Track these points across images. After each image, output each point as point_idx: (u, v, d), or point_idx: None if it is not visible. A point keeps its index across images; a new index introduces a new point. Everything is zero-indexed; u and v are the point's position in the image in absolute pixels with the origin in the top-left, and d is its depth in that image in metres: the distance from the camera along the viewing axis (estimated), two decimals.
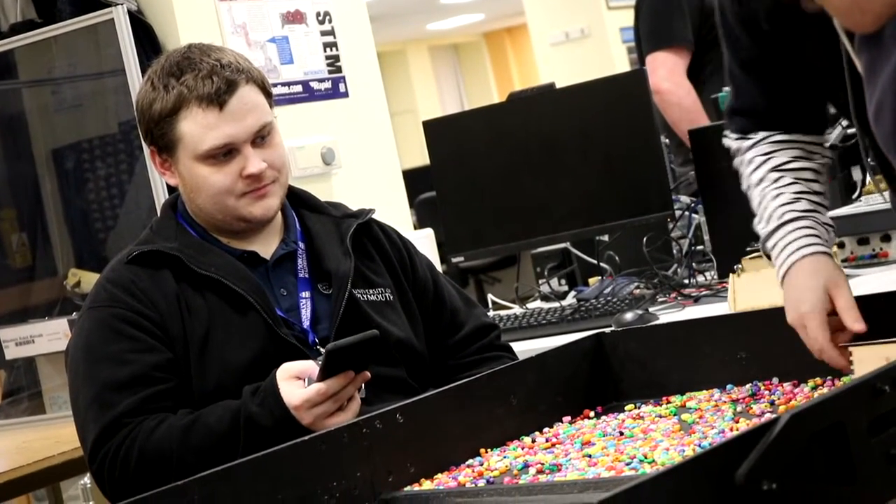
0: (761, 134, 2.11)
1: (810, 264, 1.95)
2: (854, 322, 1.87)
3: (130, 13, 3.73)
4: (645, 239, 3.43)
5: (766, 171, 2.08)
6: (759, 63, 2.06)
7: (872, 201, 3.20)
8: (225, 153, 2.32)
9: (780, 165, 2.07)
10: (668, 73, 4.45)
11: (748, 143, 2.12)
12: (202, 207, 2.36)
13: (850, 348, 1.86)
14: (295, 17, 4.13)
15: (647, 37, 4.58)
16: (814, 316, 1.89)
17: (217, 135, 2.31)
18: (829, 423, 1.37)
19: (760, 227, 2.05)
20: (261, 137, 2.35)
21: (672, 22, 4.49)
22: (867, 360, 1.83)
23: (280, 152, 2.38)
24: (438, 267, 4.19)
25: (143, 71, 3.64)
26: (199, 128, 2.31)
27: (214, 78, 2.30)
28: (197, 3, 3.92)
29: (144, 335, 2.26)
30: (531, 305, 3.68)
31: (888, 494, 1.42)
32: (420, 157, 3.77)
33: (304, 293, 2.39)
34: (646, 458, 1.70)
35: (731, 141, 2.16)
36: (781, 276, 1.98)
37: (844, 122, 3.31)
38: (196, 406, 2.25)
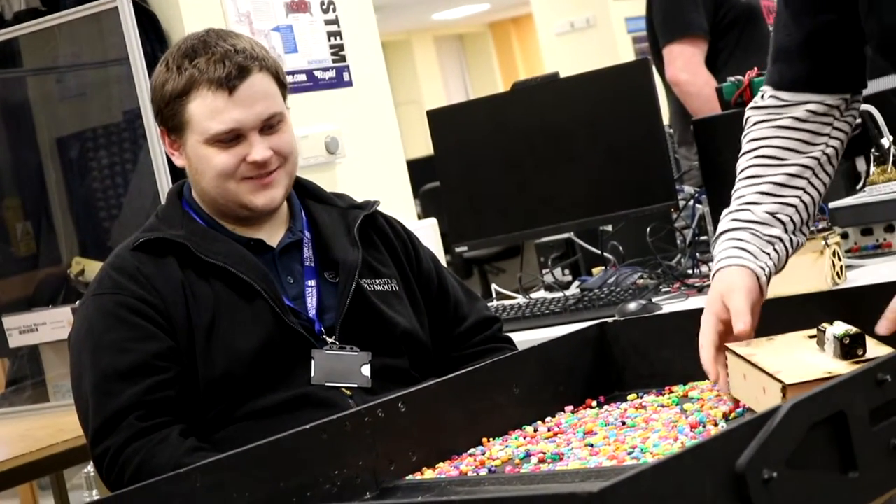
0: (772, 101, 2.10)
1: (721, 275, 1.98)
2: (738, 322, 1.89)
3: (134, 2, 3.73)
4: (649, 229, 3.43)
5: (747, 163, 2.09)
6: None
7: (876, 191, 3.19)
8: (231, 138, 2.32)
9: (765, 161, 2.07)
10: (684, 64, 4.44)
11: (757, 113, 2.12)
12: (206, 190, 2.37)
13: (727, 352, 1.85)
14: (299, 6, 4.13)
15: (661, 28, 4.56)
16: (705, 317, 1.93)
17: (224, 119, 2.31)
18: (831, 413, 1.37)
19: (720, 222, 2.09)
20: (269, 126, 2.34)
21: (685, 11, 4.47)
22: (732, 369, 1.83)
23: (288, 140, 2.38)
24: (442, 257, 4.20)
25: (148, 60, 3.65)
26: (207, 111, 2.31)
27: (226, 62, 2.30)
28: None
29: (147, 323, 2.27)
30: (535, 295, 3.67)
31: (889, 484, 1.42)
32: (425, 147, 3.78)
33: (309, 282, 2.39)
34: (645, 446, 1.70)
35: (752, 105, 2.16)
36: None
37: None
38: (203, 393, 2.25)
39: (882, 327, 1.81)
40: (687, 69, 4.43)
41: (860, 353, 1.69)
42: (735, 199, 2.09)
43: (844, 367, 1.68)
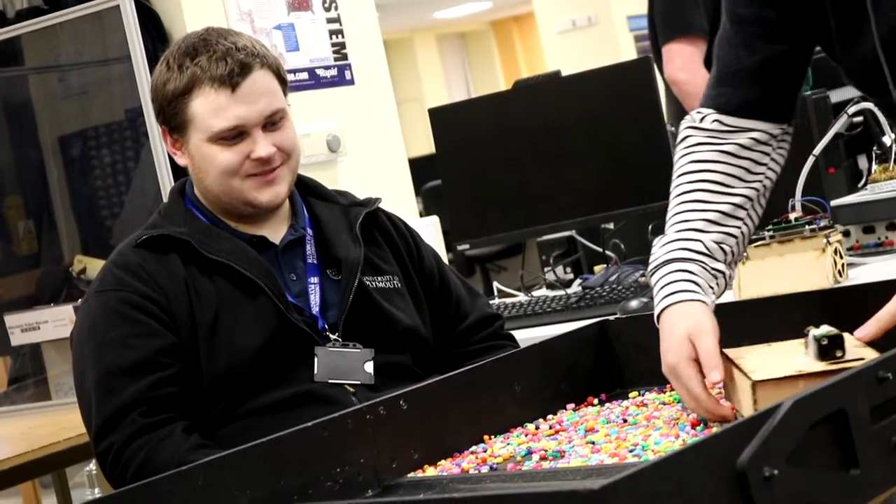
0: (715, 124, 2.07)
1: (681, 309, 1.90)
2: (710, 370, 1.80)
3: (136, 0, 3.73)
4: (650, 227, 3.43)
5: (690, 185, 2.05)
6: (758, 21, 2.05)
7: (878, 189, 3.19)
8: (235, 135, 2.32)
9: (707, 187, 2.03)
10: (683, 63, 4.44)
11: (696, 135, 2.08)
12: (209, 188, 2.37)
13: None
14: (301, 5, 4.13)
15: (661, 26, 4.56)
16: (682, 366, 1.84)
17: (228, 116, 2.31)
18: (832, 411, 1.37)
19: (655, 249, 2.03)
20: (272, 123, 2.35)
21: (686, 10, 4.47)
22: (725, 374, 1.80)
23: (291, 136, 2.38)
24: (444, 255, 4.20)
25: (149, 58, 3.65)
26: (210, 108, 2.31)
27: (228, 60, 2.31)
28: None
29: (150, 319, 2.27)
30: (536, 293, 3.68)
31: (890, 481, 1.42)
32: (426, 145, 3.79)
33: (312, 279, 2.39)
34: (647, 444, 1.70)
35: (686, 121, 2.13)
36: (656, 317, 1.94)
37: (851, 110, 3.31)
38: (206, 389, 2.25)
39: (860, 333, 1.77)
40: (685, 68, 4.43)
41: (838, 354, 1.69)
42: (677, 221, 2.03)
43: (820, 367, 1.67)
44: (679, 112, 4.59)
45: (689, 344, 1.84)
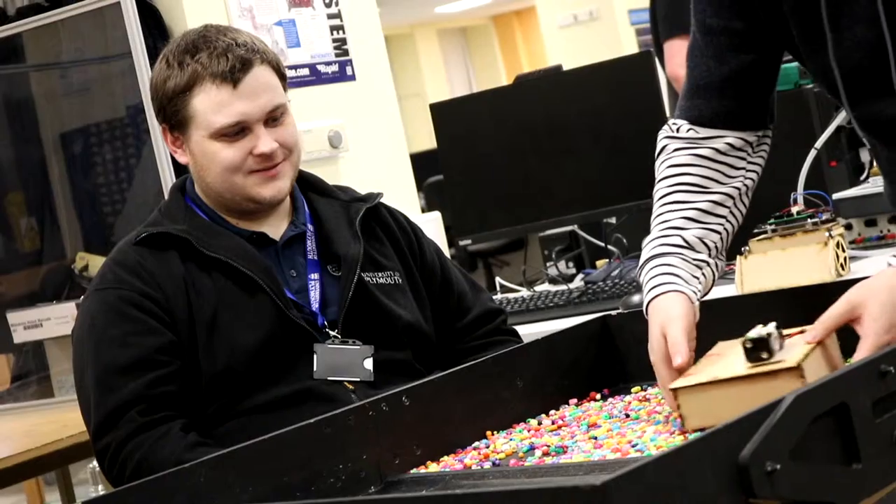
0: (691, 133, 2.09)
1: (657, 303, 1.93)
2: (673, 355, 1.82)
3: None
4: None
5: (669, 188, 2.07)
6: (725, 32, 2.07)
7: (880, 182, 3.18)
8: (237, 131, 2.32)
9: (685, 188, 2.06)
10: (683, 60, 4.43)
11: (674, 143, 2.11)
12: (211, 185, 2.36)
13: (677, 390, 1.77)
14: (302, 1, 4.13)
15: (662, 23, 4.56)
16: (658, 366, 1.86)
17: (230, 112, 2.31)
18: (833, 405, 1.37)
19: (644, 248, 2.05)
20: (273, 118, 2.35)
21: (687, 7, 4.47)
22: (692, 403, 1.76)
23: (292, 132, 2.38)
24: (446, 250, 4.20)
25: (150, 54, 3.65)
26: (212, 105, 2.31)
27: (229, 56, 2.30)
28: None
29: (149, 317, 2.27)
30: (539, 288, 3.68)
31: (892, 475, 1.42)
32: (429, 140, 3.78)
33: (313, 275, 2.39)
34: (649, 439, 1.70)
35: (668, 127, 2.15)
36: (645, 314, 1.96)
37: None
38: (205, 387, 2.25)
39: (808, 336, 1.75)
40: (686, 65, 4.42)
41: (764, 356, 1.68)
42: (658, 223, 2.06)
43: (736, 373, 1.68)
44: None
45: (663, 339, 1.87)
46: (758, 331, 1.70)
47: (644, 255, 2.04)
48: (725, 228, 2.06)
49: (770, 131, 2.14)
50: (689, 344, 1.85)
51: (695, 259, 2.00)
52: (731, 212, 2.07)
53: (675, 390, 1.72)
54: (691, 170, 2.07)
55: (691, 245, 2.01)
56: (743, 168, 2.09)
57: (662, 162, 2.12)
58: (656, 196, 2.09)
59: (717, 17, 2.08)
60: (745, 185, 2.09)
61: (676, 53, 4.46)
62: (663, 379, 1.85)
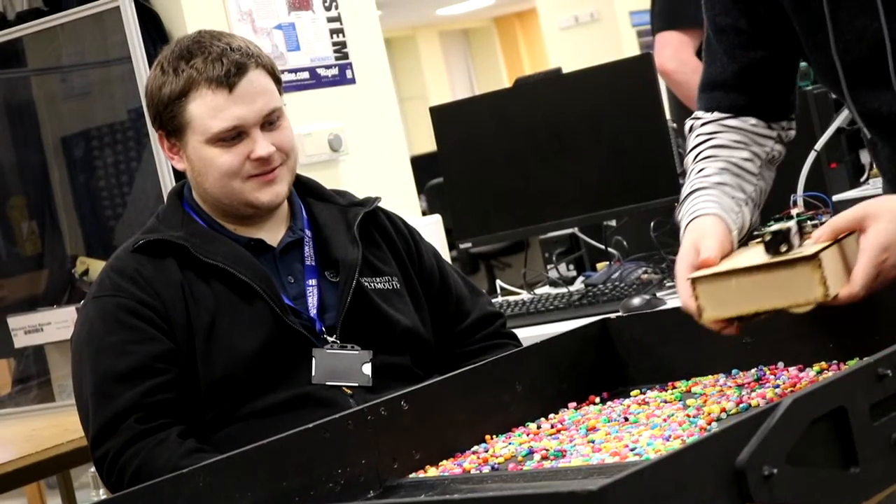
0: (716, 114, 2.14)
1: (693, 224, 1.96)
2: (702, 253, 1.83)
3: (136, 1, 3.74)
4: (652, 223, 3.43)
5: (702, 150, 2.11)
6: (734, 31, 2.10)
7: (880, 184, 3.18)
8: (234, 136, 2.32)
9: (718, 146, 2.10)
10: (673, 53, 4.42)
11: (699, 121, 2.16)
12: (209, 191, 2.36)
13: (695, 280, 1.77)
14: (301, 4, 4.13)
15: (658, 16, 4.54)
16: (680, 275, 1.86)
17: (226, 116, 2.31)
18: (831, 408, 1.37)
19: (683, 193, 2.09)
20: (269, 122, 2.35)
21: (684, 2, 4.45)
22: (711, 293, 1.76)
23: (288, 136, 2.38)
24: (448, 253, 4.20)
25: (150, 58, 3.65)
26: (208, 109, 2.31)
27: (224, 60, 2.30)
28: None
29: (147, 325, 2.27)
30: (539, 291, 3.68)
31: (890, 479, 1.42)
32: (431, 142, 3.79)
33: (310, 281, 2.39)
34: (647, 443, 1.70)
35: (689, 121, 2.20)
36: (682, 235, 1.99)
37: None
38: (203, 394, 2.25)
39: (815, 235, 1.76)
40: (675, 57, 4.40)
41: (783, 248, 1.68)
42: (695, 172, 2.09)
43: (754, 262, 1.68)
44: (679, 105, 4.57)
45: (693, 251, 1.87)
46: (779, 224, 1.70)
47: (683, 194, 2.06)
48: (758, 184, 2.10)
49: (793, 122, 2.17)
50: (719, 254, 1.84)
51: (733, 196, 2.03)
52: (760, 172, 2.11)
53: (692, 280, 1.71)
54: (721, 134, 2.12)
55: (729, 184, 2.05)
56: (771, 139, 2.13)
57: (696, 136, 2.15)
58: (689, 158, 2.13)
59: (726, 16, 2.12)
60: (770, 154, 2.13)
61: (665, 46, 4.45)
62: (681, 289, 1.83)
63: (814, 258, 1.65)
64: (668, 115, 3.52)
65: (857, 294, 1.73)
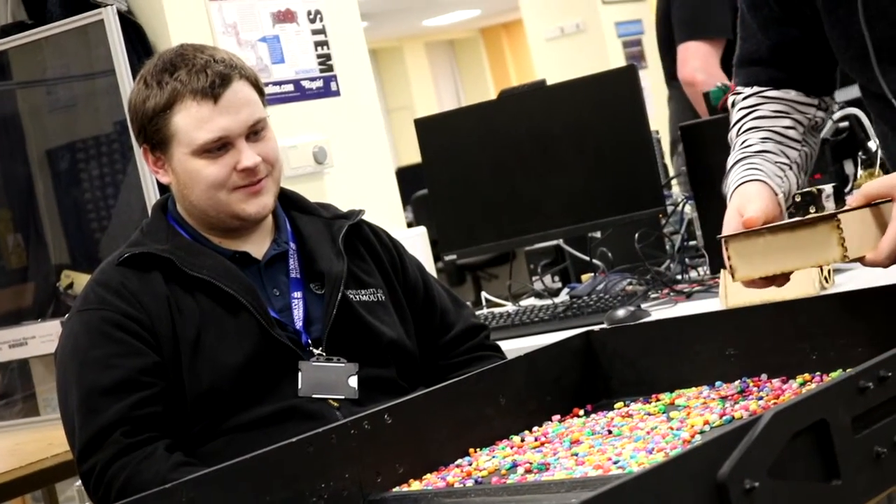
0: (756, 88, 2.18)
1: (738, 191, 2.00)
2: (746, 213, 1.89)
3: (120, 13, 3.73)
4: (637, 235, 3.43)
5: (744, 122, 2.15)
6: (766, 5, 2.14)
7: None
8: (220, 147, 2.32)
9: (760, 117, 2.14)
10: (702, 64, 4.39)
11: (740, 96, 2.19)
12: (195, 204, 2.36)
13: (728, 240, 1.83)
14: (286, 17, 4.13)
15: (683, 25, 4.48)
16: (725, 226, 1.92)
17: (212, 127, 2.31)
18: (812, 421, 1.37)
19: (728, 164, 2.12)
20: (254, 133, 2.35)
21: (711, 10, 4.42)
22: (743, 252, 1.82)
23: (273, 147, 2.38)
24: (433, 265, 4.20)
25: (134, 71, 3.64)
26: (193, 121, 2.31)
27: (208, 72, 2.30)
28: (187, 2, 3.92)
29: (132, 338, 2.26)
30: (524, 303, 3.68)
31: (872, 491, 1.42)
32: (417, 153, 3.79)
33: (296, 293, 2.39)
34: (631, 456, 1.70)
35: (731, 97, 2.24)
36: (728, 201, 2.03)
37: (836, 116, 3.31)
38: (189, 407, 2.25)
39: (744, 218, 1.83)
40: (704, 69, 4.37)
41: (812, 210, 1.73)
42: (739, 144, 2.13)
43: (784, 221, 1.74)
44: (683, 114, 4.53)
45: (737, 215, 1.92)
46: (808, 188, 1.76)
47: (729, 164, 2.09)
48: (802, 150, 2.13)
49: (834, 98, 2.21)
50: (762, 217, 1.88)
51: (777, 162, 2.06)
52: (804, 139, 2.14)
53: (725, 240, 1.74)
54: (762, 106, 2.16)
55: (773, 151, 2.08)
56: (813, 106, 2.17)
57: (738, 110, 2.19)
58: (733, 133, 2.17)
59: None
60: (813, 120, 2.17)
61: (692, 57, 4.41)
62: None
63: (832, 218, 1.68)
64: (651, 126, 3.52)
65: (882, 261, 1.75)
